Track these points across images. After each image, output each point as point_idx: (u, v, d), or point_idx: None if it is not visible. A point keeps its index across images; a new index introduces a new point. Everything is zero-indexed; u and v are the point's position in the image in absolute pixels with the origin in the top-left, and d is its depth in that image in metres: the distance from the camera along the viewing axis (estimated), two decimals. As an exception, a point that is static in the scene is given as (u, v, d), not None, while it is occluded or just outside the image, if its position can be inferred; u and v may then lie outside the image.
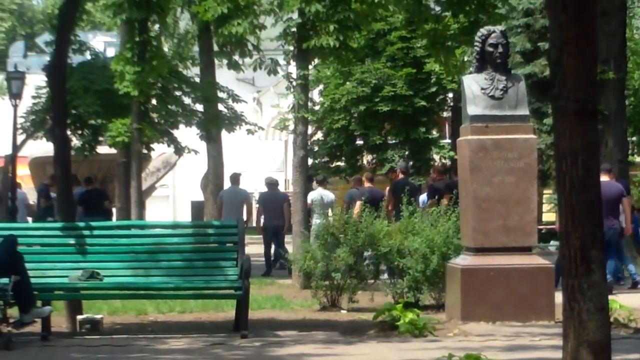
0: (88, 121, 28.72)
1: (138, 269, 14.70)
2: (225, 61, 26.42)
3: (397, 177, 26.55)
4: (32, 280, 13.51)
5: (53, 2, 73.70)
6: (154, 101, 27.85)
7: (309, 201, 23.88)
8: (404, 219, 18.49)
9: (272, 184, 28.36)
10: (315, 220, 21.75)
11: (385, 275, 19.16)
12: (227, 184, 29.28)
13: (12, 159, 31.93)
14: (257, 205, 27.67)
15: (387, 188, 26.42)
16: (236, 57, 24.35)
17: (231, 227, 15.67)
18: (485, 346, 12.30)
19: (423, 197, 25.08)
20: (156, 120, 27.91)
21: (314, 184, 26.85)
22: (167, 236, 15.76)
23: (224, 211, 26.44)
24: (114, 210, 28.54)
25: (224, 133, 31.77)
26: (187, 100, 29.57)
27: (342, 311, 17.44)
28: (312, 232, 20.19)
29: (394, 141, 40.86)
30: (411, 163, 38.79)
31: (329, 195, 25.86)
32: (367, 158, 42.10)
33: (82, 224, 15.92)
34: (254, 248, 25.54)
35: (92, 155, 29.55)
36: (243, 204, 27.87)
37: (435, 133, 41.74)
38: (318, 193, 25.43)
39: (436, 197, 22.08)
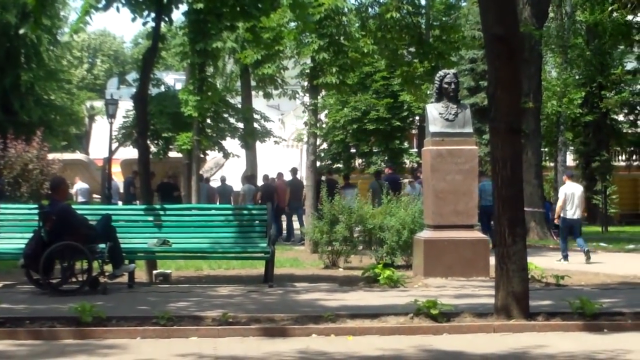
0: (162, 134, 28.70)
1: (196, 238, 14.62)
2: (260, 92, 26.45)
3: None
4: (122, 246, 13.48)
5: (138, 50, 73.72)
6: (208, 120, 27.88)
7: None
8: (384, 204, 18.43)
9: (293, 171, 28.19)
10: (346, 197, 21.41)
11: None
12: (259, 182, 29.03)
13: (108, 161, 31.87)
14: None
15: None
16: (269, 90, 24.35)
17: (262, 209, 15.55)
18: (440, 294, 12.25)
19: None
20: (210, 134, 27.93)
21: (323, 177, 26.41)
22: (217, 215, 15.67)
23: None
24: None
25: (257, 143, 31.78)
26: (232, 120, 29.62)
27: (340, 269, 17.40)
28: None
29: (377, 150, 40.77)
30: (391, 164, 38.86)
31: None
32: (358, 161, 42.04)
33: (157, 206, 15.88)
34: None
35: (165, 158, 29.57)
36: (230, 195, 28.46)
37: (406, 144, 41.59)
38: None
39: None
